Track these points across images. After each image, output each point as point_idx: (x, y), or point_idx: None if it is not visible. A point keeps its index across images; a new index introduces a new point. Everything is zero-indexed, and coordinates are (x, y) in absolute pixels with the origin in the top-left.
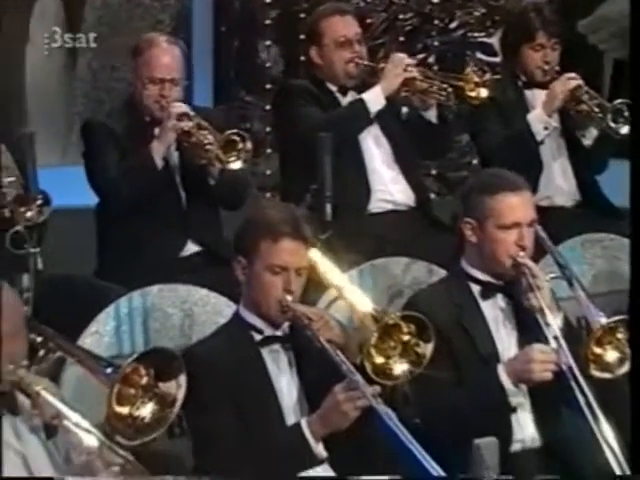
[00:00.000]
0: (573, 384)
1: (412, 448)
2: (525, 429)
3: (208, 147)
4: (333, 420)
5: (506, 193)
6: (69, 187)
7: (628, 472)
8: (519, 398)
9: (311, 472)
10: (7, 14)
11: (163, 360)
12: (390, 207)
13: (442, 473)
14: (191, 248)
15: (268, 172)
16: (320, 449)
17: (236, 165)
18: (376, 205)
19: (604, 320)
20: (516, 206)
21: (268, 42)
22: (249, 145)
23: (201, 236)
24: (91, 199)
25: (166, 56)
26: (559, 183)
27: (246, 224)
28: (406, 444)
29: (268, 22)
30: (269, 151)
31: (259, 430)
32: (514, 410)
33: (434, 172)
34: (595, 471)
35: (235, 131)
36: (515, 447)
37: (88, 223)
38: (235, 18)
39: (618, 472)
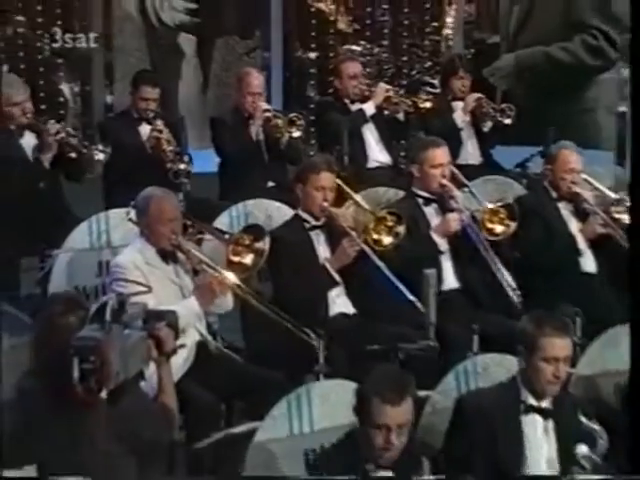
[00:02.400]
0: (479, 245)
1: (390, 276)
2: (449, 276)
3: (280, 125)
4: (341, 257)
5: (433, 147)
6: (204, 160)
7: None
8: (444, 245)
9: (333, 293)
10: (167, 64)
11: (256, 230)
12: (377, 164)
13: (407, 292)
14: (270, 183)
15: (312, 153)
16: (336, 275)
17: (297, 134)
18: (370, 164)
19: (490, 205)
20: (439, 154)
21: (312, 82)
22: (303, 122)
23: (276, 178)
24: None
25: (256, 80)
26: (470, 152)
27: (301, 166)
28: (386, 274)
29: (313, 71)
30: (313, 141)
31: (307, 274)
32: (442, 252)
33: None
34: (500, 307)
35: (294, 114)
36: (444, 287)
37: (215, 179)
38: (294, 67)
39: (516, 299)
